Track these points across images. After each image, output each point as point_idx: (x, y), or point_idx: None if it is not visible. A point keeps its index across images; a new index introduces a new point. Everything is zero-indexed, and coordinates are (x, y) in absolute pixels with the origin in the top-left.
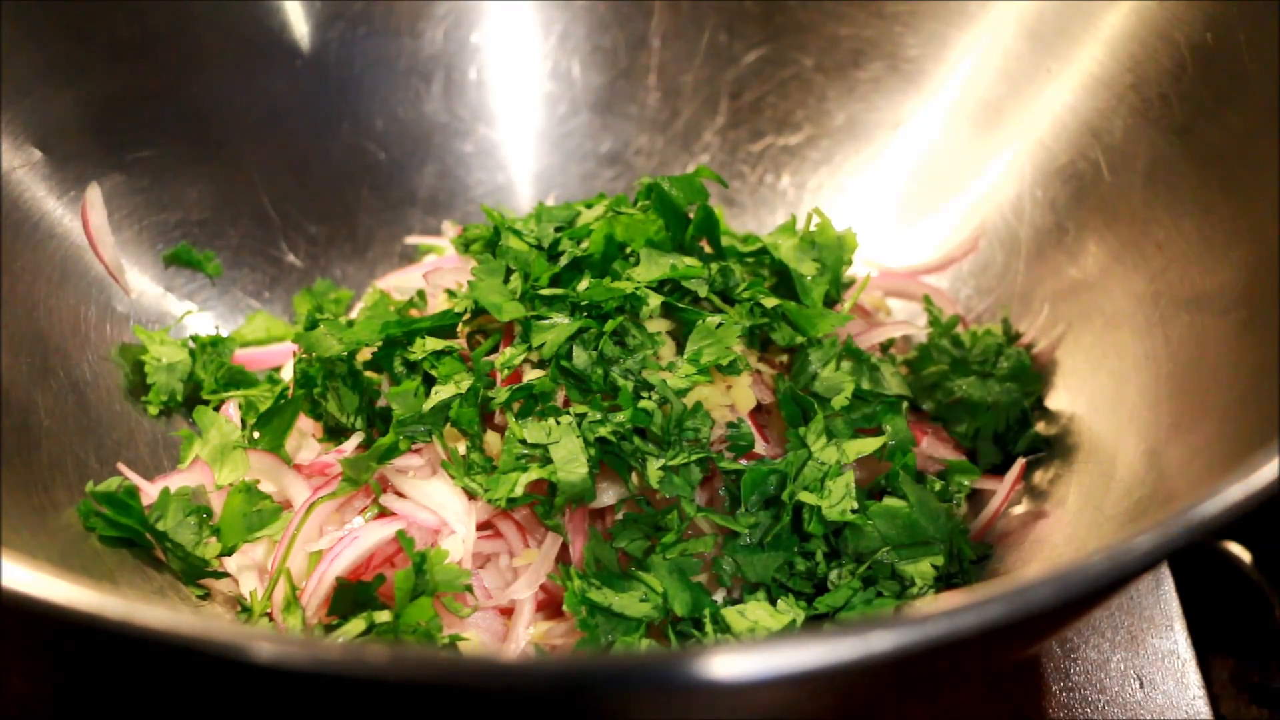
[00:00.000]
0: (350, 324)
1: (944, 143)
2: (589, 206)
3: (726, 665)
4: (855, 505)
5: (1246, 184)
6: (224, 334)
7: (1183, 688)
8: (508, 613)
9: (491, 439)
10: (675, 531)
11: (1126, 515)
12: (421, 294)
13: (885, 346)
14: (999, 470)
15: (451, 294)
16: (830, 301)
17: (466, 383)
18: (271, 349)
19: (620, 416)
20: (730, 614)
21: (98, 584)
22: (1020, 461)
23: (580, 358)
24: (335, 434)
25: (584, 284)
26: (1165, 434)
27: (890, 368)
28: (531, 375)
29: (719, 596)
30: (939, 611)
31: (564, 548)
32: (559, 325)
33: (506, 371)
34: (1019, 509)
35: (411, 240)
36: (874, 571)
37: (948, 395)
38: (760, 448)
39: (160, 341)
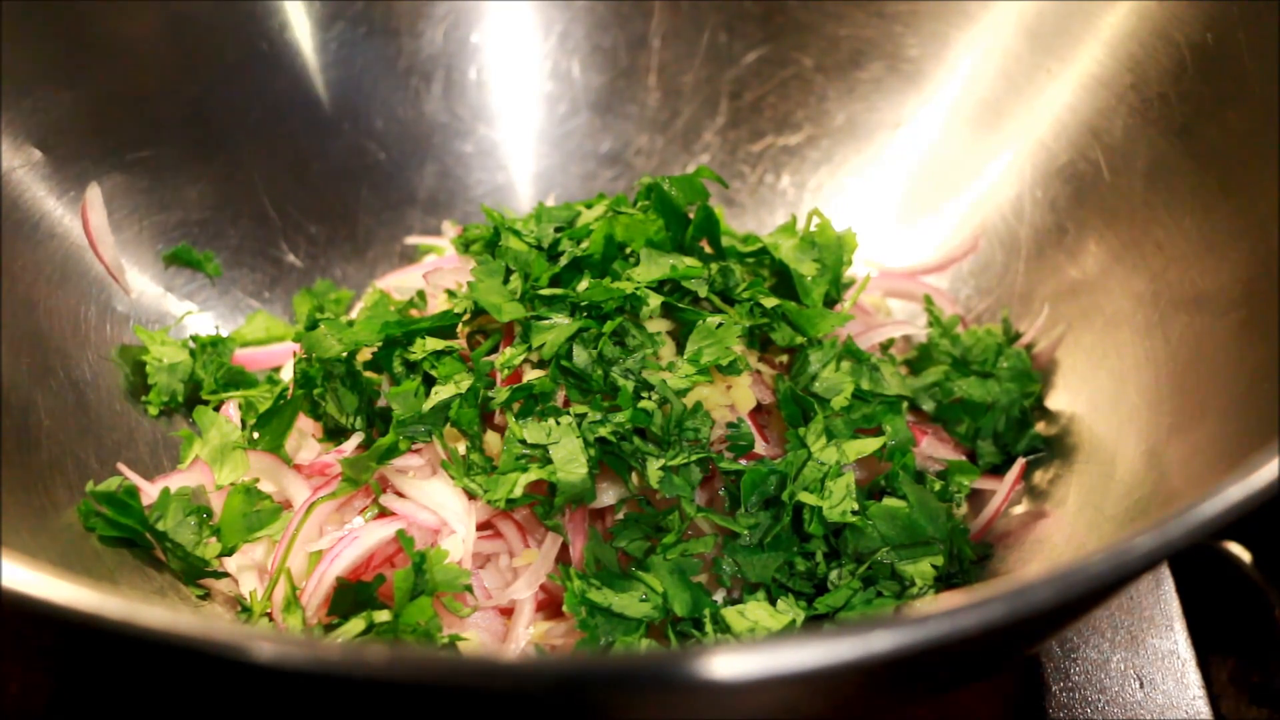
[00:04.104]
0: (350, 324)
1: (944, 143)
2: (589, 206)
3: (726, 665)
4: (855, 506)
5: (1246, 184)
6: (224, 334)
7: (1183, 688)
8: (508, 613)
9: (491, 439)
10: (675, 532)
11: (1126, 515)
12: (421, 294)
13: (885, 346)
14: (999, 470)
15: (451, 294)
16: (830, 301)
17: (466, 383)
18: (271, 349)
19: (620, 416)
20: (730, 614)
21: (98, 584)
22: (1020, 461)
23: (580, 358)
24: (335, 434)
25: (584, 284)
26: (1165, 434)
27: (890, 368)
28: (531, 375)
29: (719, 596)
30: (939, 611)
31: (564, 548)
32: (559, 325)
33: (506, 371)
34: (1019, 509)
35: (411, 240)
36: (874, 571)
37: (948, 395)
38: (760, 448)
39: (160, 342)
